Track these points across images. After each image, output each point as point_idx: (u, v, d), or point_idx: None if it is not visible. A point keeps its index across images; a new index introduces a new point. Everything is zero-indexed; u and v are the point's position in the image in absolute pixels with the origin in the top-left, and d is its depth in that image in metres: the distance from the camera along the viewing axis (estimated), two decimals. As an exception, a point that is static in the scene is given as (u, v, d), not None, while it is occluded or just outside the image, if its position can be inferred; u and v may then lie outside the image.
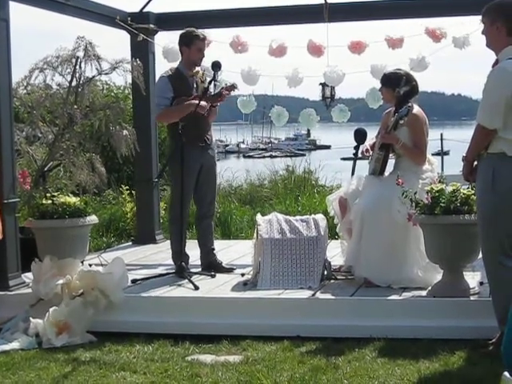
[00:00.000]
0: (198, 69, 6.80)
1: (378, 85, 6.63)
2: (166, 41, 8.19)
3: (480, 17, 4.98)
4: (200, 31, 6.86)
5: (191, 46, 6.76)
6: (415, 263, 6.02)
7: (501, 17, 4.76)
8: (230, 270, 6.82)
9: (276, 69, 8.36)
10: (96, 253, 7.73)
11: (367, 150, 6.51)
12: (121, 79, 7.33)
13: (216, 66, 6.59)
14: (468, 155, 4.90)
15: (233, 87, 6.81)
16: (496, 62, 4.85)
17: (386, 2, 8.11)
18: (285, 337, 5.39)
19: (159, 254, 7.97)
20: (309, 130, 67.02)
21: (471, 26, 7.32)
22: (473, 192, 5.33)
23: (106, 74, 7.38)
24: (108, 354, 5.25)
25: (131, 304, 5.85)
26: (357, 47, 7.96)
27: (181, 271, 6.48)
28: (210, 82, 6.62)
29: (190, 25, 7.05)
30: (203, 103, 6.57)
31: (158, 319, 5.70)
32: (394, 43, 7.87)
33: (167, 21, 8.44)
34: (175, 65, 6.99)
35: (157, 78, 8.56)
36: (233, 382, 4.59)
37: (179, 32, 6.95)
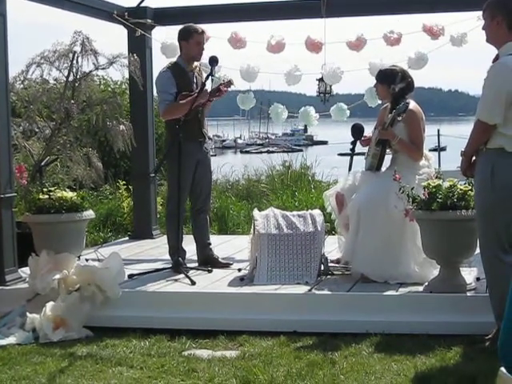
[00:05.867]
0: (196, 63, 6.79)
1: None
2: (164, 36, 8.19)
3: (478, 13, 4.99)
4: (199, 26, 6.84)
5: (189, 39, 6.73)
6: (412, 259, 6.03)
7: (501, 11, 4.76)
8: (226, 265, 6.82)
9: (274, 64, 8.37)
10: (93, 248, 7.72)
11: (366, 139, 6.52)
12: (118, 74, 7.33)
13: (213, 60, 6.56)
14: (467, 150, 4.90)
15: (229, 83, 6.79)
16: (496, 58, 4.84)
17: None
18: (281, 332, 5.39)
19: (156, 249, 7.96)
20: (306, 126, 66.90)
21: (469, 23, 7.33)
22: (470, 188, 5.33)
23: (103, 68, 7.36)
24: (104, 348, 5.24)
25: (128, 299, 5.84)
26: (355, 45, 7.94)
27: (177, 266, 6.47)
28: (207, 77, 6.60)
29: (188, 20, 7.03)
30: (203, 97, 6.55)
31: (155, 314, 5.69)
32: (392, 41, 7.87)
33: (164, 16, 8.43)
34: (174, 60, 6.96)
35: (154, 73, 8.61)
36: (229, 377, 4.59)
37: (176, 27, 6.93)
